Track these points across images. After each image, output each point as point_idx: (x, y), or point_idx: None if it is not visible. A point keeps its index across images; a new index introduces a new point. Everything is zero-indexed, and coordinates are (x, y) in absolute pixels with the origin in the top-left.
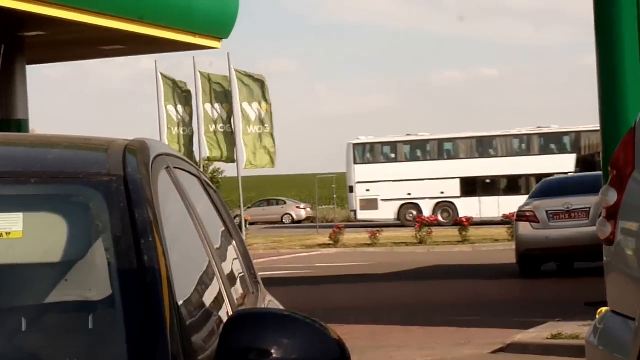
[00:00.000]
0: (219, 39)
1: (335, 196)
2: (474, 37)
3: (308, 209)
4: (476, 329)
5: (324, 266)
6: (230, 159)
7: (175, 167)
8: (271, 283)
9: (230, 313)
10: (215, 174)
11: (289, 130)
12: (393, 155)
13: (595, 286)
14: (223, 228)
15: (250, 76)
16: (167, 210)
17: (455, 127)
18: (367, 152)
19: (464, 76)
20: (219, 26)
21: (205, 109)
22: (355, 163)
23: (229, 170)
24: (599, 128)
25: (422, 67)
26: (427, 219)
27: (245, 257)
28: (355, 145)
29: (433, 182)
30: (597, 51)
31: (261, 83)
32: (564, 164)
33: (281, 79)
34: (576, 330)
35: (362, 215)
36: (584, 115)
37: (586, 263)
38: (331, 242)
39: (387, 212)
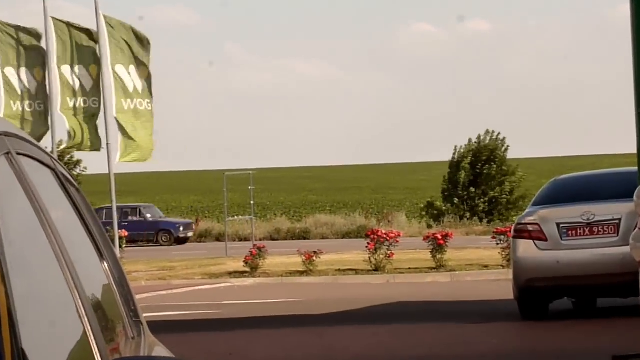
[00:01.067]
0: None
1: (252, 202)
2: None
3: None
4: None
5: (236, 304)
6: (96, 146)
7: (19, 154)
8: (159, 328)
9: None
10: (74, 167)
11: (187, 110)
12: None
13: (627, 331)
14: (89, 243)
15: (126, 28)
16: (7, 216)
17: (434, 102)
18: None
19: (441, 32)
20: None
21: (62, 74)
22: None
23: (93, 163)
24: None
25: (384, 20)
26: (385, 234)
27: (122, 286)
28: None
29: None
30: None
31: (142, 39)
32: None
33: (175, 34)
34: None
35: None
36: (609, 85)
37: (614, 299)
38: (247, 270)
39: None
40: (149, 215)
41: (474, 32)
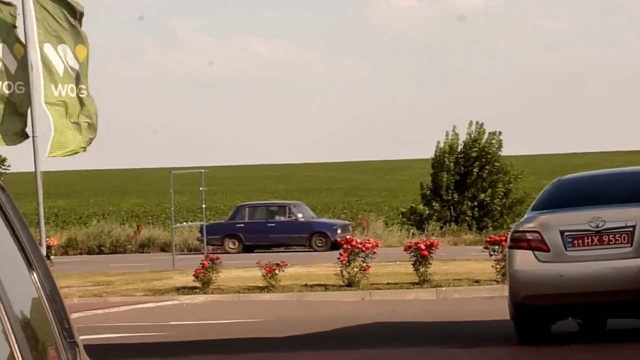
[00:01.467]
0: None
1: (204, 206)
2: None
3: None
4: None
5: (185, 325)
6: (22, 139)
7: None
8: (95, 353)
9: None
10: None
11: (125, 98)
12: None
13: None
14: (17, 250)
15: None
16: None
17: (417, 90)
18: None
19: (425, 8)
20: None
21: None
22: None
23: (17, 160)
24: None
25: None
26: (360, 244)
27: (54, 301)
28: None
29: None
30: None
31: (75, 12)
32: None
33: (111, 9)
34: None
35: None
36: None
37: (627, 320)
38: (197, 285)
39: None
40: (299, 215)
41: (464, 8)
